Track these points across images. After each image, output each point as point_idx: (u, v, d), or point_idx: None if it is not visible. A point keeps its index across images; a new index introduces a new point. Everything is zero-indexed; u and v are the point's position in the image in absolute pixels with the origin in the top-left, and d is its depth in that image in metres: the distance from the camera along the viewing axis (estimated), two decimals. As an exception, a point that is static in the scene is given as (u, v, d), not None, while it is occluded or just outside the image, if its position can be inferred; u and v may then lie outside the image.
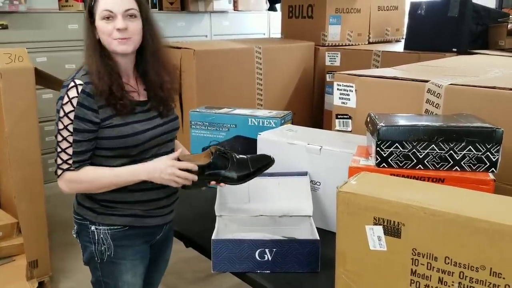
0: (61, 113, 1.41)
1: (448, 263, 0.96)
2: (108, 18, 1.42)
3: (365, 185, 1.11)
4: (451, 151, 1.30)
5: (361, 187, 1.09)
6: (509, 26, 3.11)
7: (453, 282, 0.96)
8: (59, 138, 1.43)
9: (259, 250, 1.47)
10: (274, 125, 2.01)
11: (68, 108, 1.40)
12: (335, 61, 3.54)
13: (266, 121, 2.03)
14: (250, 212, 1.69)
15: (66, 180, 1.45)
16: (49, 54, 4.11)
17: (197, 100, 2.90)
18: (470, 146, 1.28)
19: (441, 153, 1.30)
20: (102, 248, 1.52)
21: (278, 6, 6.32)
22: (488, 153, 1.28)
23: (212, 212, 1.72)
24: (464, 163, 1.30)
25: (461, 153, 1.29)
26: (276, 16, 5.80)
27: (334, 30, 3.73)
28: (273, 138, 1.83)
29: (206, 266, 1.53)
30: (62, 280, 2.83)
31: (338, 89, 2.01)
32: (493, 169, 1.29)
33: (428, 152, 1.30)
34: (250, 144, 1.99)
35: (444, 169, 1.31)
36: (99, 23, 1.43)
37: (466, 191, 1.10)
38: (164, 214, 1.58)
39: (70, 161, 1.43)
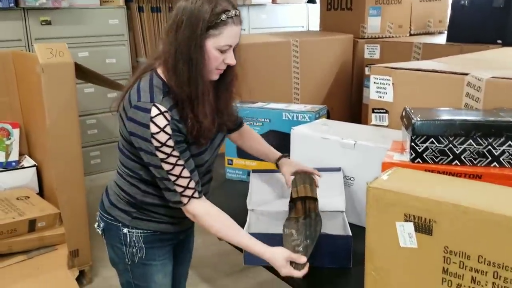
0: (157, 143, 1.29)
1: (482, 262, 0.93)
2: (224, 51, 1.33)
3: (396, 181, 1.08)
4: (490, 147, 1.25)
5: (392, 183, 1.07)
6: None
7: (486, 282, 0.93)
8: (167, 167, 1.31)
9: (290, 245, 1.47)
10: (308, 120, 1.99)
11: (162, 137, 1.29)
12: (375, 53, 3.48)
13: (301, 115, 2.01)
14: (282, 206, 1.68)
15: (194, 209, 1.38)
16: (91, 49, 4.22)
17: (233, 95, 2.90)
18: (509, 142, 1.23)
19: (479, 148, 1.26)
20: (134, 250, 1.51)
21: (317, -2, 6.26)
22: (529, 148, 1.23)
23: (245, 206, 1.72)
24: (503, 159, 1.25)
25: (500, 149, 1.25)
26: (315, 9, 5.74)
27: (374, 22, 3.65)
28: (306, 132, 1.82)
29: (241, 259, 1.53)
30: (101, 269, 2.91)
31: (374, 82, 1.97)
32: (534, 165, 1.24)
33: (465, 147, 1.26)
34: (284, 138, 1.98)
35: (482, 165, 1.26)
36: (212, 49, 1.31)
37: (502, 188, 1.06)
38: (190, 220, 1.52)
39: (192, 185, 1.35)
